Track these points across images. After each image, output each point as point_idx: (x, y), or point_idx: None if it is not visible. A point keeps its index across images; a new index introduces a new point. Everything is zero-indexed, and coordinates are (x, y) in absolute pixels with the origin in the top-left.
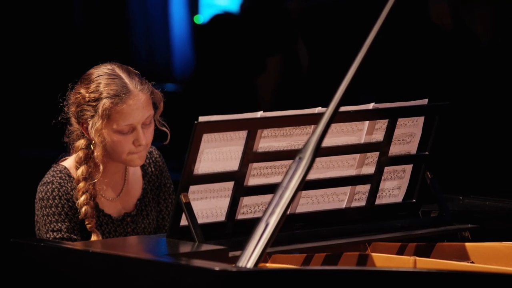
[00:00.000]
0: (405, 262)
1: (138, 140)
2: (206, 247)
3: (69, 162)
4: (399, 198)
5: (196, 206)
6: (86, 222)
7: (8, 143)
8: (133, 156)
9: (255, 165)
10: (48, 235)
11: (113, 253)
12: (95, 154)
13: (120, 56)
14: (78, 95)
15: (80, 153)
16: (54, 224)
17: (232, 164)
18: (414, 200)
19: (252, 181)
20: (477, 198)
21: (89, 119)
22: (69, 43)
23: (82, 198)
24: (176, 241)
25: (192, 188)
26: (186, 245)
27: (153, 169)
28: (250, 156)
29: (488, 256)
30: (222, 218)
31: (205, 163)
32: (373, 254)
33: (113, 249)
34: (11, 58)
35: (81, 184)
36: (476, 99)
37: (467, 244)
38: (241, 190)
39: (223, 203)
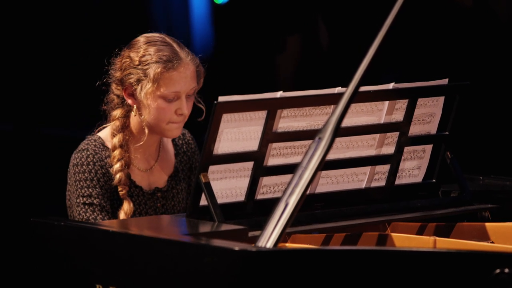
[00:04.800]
0: (425, 242)
1: (181, 109)
2: (225, 227)
3: (103, 133)
4: (419, 178)
5: (216, 186)
6: (120, 189)
7: (28, 122)
8: (172, 125)
9: (274, 145)
10: (78, 200)
11: (133, 233)
12: (143, 117)
13: (140, 34)
14: (127, 59)
15: (117, 122)
16: (86, 189)
17: (252, 144)
18: (434, 180)
19: (272, 161)
20: (497, 178)
21: (134, 83)
22: (87, 20)
23: (117, 165)
24: (195, 221)
25: (211, 168)
26: (206, 225)
27: (185, 150)
28: (269, 136)
29: (508, 236)
30: (241, 198)
31: (224, 143)
32: (392, 234)
33: (133, 229)
34: (34, 36)
35: (117, 151)
36: (496, 78)
37: (487, 224)
38: (260, 170)
39: (243, 183)
